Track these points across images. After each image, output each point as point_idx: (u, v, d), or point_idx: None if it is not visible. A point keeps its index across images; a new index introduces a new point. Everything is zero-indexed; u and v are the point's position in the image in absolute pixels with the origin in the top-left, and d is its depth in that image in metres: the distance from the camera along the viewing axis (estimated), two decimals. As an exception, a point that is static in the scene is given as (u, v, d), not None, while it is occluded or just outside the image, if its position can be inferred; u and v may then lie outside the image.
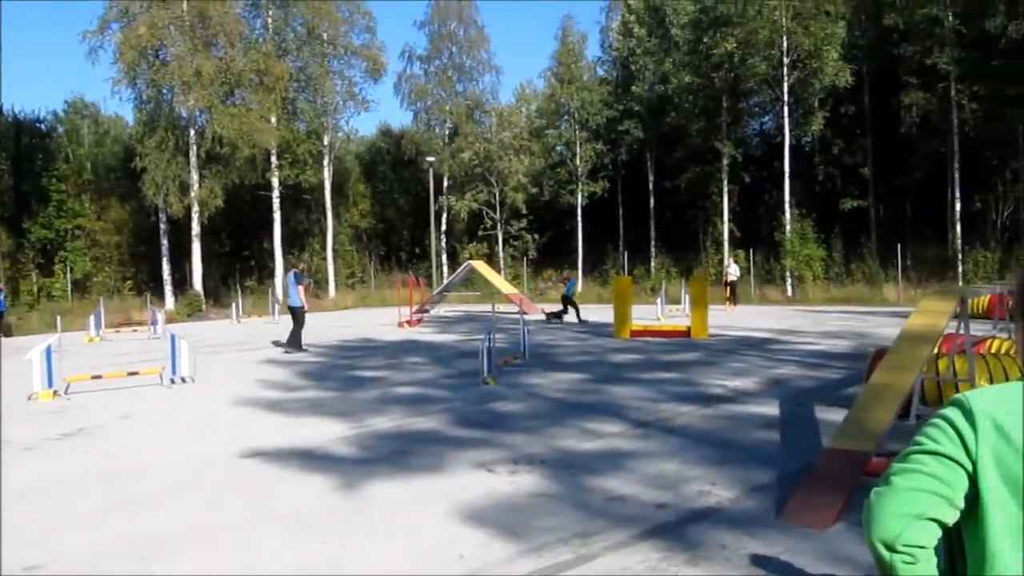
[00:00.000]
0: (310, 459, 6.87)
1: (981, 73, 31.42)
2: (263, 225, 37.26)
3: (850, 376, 10.70)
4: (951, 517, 1.31)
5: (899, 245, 29.75)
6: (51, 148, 37.25)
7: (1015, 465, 1.27)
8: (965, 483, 1.30)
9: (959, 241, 31.28)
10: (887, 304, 26.75)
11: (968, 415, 1.32)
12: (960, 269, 30.47)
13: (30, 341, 20.12)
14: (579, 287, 24.07)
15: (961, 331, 7.82)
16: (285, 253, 36.21)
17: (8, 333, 23.91)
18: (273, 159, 35.40)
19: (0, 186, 33.03)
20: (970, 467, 1.29)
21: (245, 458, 6.96)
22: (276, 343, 17.30)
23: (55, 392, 10.70)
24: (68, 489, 6.09)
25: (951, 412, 1.35)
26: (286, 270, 36.45)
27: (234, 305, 28.33)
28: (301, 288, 15.92)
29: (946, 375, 7.78)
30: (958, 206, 31.70)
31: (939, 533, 1.31)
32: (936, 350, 7.67)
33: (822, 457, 5.79)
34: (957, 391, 7.18)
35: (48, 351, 10.76)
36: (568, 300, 23.31)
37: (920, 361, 6.61)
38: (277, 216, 36.07)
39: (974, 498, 1.30)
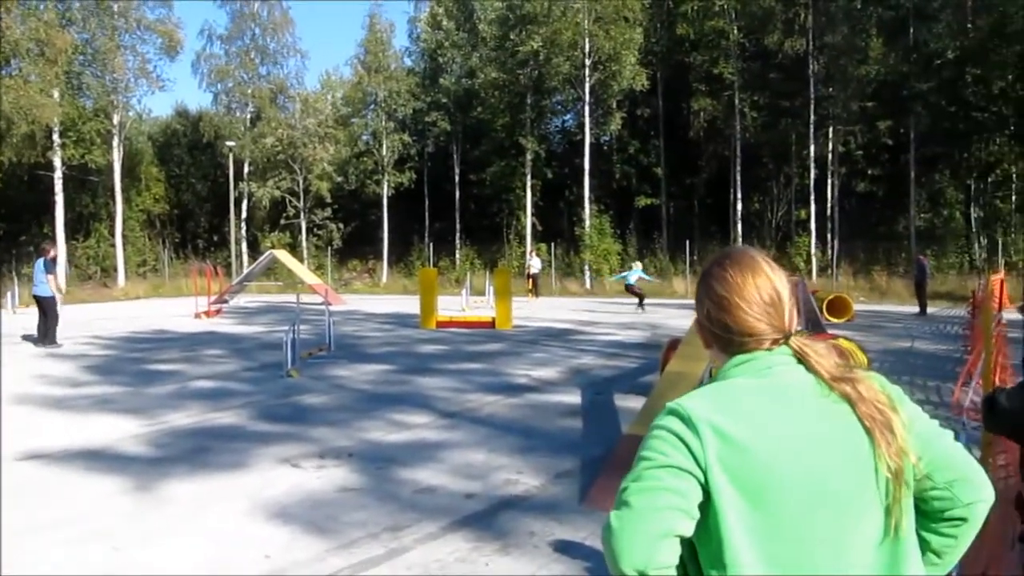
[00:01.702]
0: (98, 460, 6.41)
1: (761, 84, 34.12)
2: (43, 208, 34.35)
3: (645, 365, 11.27)
4: (690, 529, 1.30)
5: (688, 241, 31.65)
6: None
7: (739, 466, 1.29)
8: (699, 492, 1.30)
9: (740, 239, 33.69)
10: (676, 297, 28.37)
11: (688, 423, 1.32)
12: (740, 265, 32.81)
13: None
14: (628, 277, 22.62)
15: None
16: (68, 238, 33.57)
17: None
18: (55, 137, 32.68)
19: None
20: (701, 476, 1.30)
21: (23, 461, 6.40)
22: (26, 337, 15.70)
23: None
24: None
25: (671, 422, 1.34)
26: (68, 258, 33.91)
27: (9, 294, 25.96)
28: (51, 277, 14.68)
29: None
30: (739, 206, 34.19)
31: (679, 547, 1.31)
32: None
33: (621, 443, 6.06)
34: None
35: None
36: (630, 288, 22.28)
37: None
38: (59, 199, 33.32)
39: (703, 504, 1.30)
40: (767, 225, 35.84)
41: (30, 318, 15.90)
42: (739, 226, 34.05)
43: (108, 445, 6.91)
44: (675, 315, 19.85)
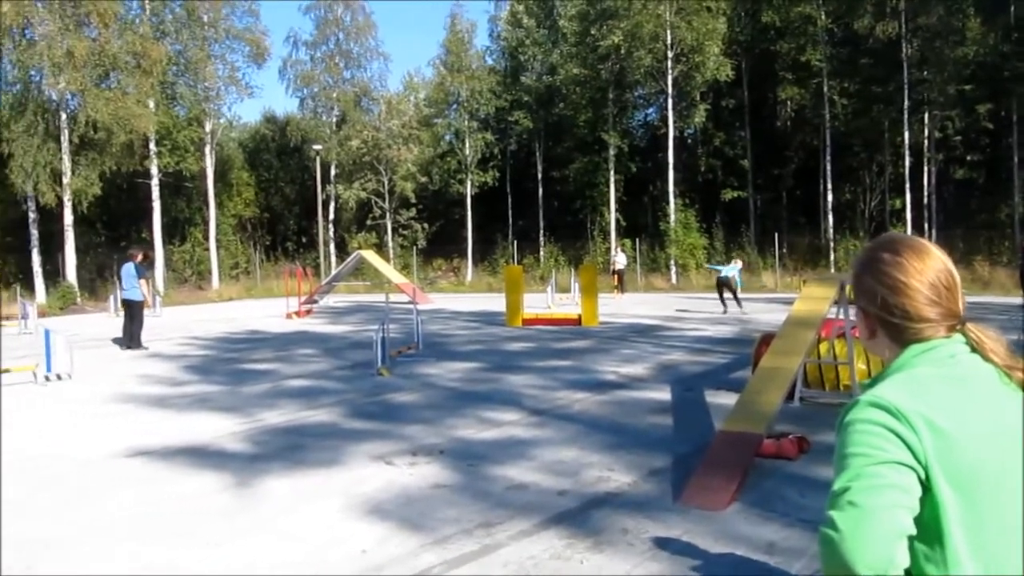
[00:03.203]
0: (199, 456, 6.61)
1: (851, 70, 33.07)
2: (142, 214, 35.72)
3: (735, 360, 11.05)
4: (913, 527, 1.26)
5: (776, 234, 30.96)
6: (-96, 131, 34.62)
7: (947, 458, 1.27)
8: (919, 487, 1.27)
9: (831, 230, 32.78)
10: (765, 291, 27.79)
11: (899, 416, 1.29)
12: (832, 257, 31.97)
13: None
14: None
15: (840, 316, 8.16)
16: (165, 243, 34.80)
17: None
18: (152, 145, 33.94)
19: None
20: (921, 471, 1.27)
21: (129, 457, 6.64)
22: (116, 340, 16.27)
23: (-86, 392, 9.96)
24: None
25: (878, 415, 1.30)
26: (164, 262, 35.19)
27: (111, 298, 27.04)
28: (143, 281, 15.07)
29: (826, 358, 8.12)
30: (830, 197, 33.21)
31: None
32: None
33: (715, 440, 5.94)
34: (836, 373, 7.46)
35: (-95, 349, 10.01)
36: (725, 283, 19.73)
37: (806, 345, 6.86)
38: (156, 205, 34.60)
39: (920, 499, 1.28)
40: (859, 215, 34.72)
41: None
42: (830, 217, 33.08)
43: (208, 442, 7.12)
44: (765, 310, 19.43)
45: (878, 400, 1.32)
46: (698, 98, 35.31)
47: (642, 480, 5.61)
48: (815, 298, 7.61)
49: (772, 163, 37.05)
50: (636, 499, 5.19)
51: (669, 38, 33.40)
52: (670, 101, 34.41)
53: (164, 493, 5.61)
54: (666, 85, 34.31)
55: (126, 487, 5.79)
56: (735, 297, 19.24)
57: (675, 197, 34.71)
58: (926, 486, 1.27)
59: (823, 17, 32.67)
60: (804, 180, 36.66)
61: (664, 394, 8.88)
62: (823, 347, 8.22)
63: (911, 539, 1.28)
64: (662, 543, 4.38)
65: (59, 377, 11.17)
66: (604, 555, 4.23)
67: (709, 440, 6.20)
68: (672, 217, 34.32)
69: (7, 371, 10.85)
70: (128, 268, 14.95)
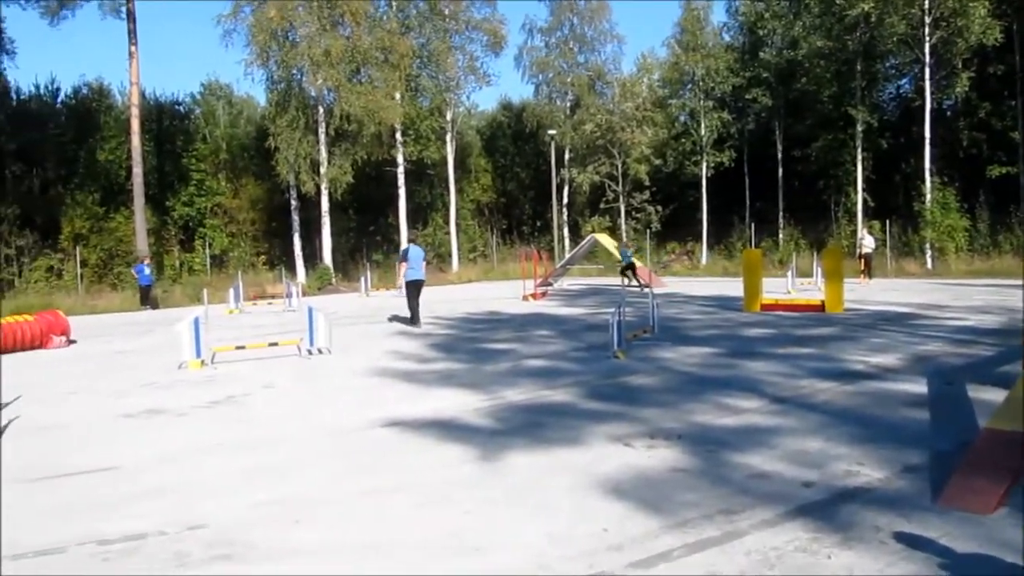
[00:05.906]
0: (446, 429, 6.98)
1: None
2: (388, 200, 38.11)
3: (1004, 354, 10.10)
4: None
5: (1053, 214, 27.88)
6: (190, 129, 39.06)
7: None
8: None
9: None
10: (1039, 277, 25.13)
11: None
12: (1123, 239, 28.33)
13: (176, 313, 21.32)
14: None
15: None
16: (410, 228, 36.96)
17: (155, 305, 25.43)
18: (398, 135, 36.05)
19: (144, 166, 34.67)
20: None
21: (384, 427, 7.14)
22: (395, 318, 17.55)
23: (203, 362, 11.26)
24: (220, 454, 6.41)
25: None
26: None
27: (362, 279, 29.12)
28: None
29: (1116, 353, 7.25)
30: (1123, 172, 29.41)
31: None
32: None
33: (981, 438, 5.48)
34: None
35: (196, 322, 11.32)
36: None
37: (1091, 338, 6.16)
38: (402, 192, 36.78)
39: None
40: None
41: (379, 300, 17.72)
42: None
43: (454, 416, 7.50)
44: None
45: None
46: (960, 66, 32.34)
47: (895, 476, 5.28)
48: (1103, 285, 6.79)
49: (1049, 135, 33.24)
50: (889, 496, 4.90)
51: (927, 2, 30.85)
52: (927, 71, 31.83)
53: (416, 462, 5.98)
54: (922, 53, 31.77)
55: (383, 454, 6.24)
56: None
57: (932, 175, 32.14)
58: None
59: (1115, -33, 28.87)
60: (1089, 153, 32.62)
61: (920, 387, 8.29)
62: (1112, 340, 7.34)
63: None
64: (918, 544, 4.11)
65: (320, 351, 12.21)
66: (854, 552, 4.03)
67: (972, 438, 5.74)
68: (928, 197, 31.82)
69: (276, 344, 12.02)
70: (419, 251, 16.32)
